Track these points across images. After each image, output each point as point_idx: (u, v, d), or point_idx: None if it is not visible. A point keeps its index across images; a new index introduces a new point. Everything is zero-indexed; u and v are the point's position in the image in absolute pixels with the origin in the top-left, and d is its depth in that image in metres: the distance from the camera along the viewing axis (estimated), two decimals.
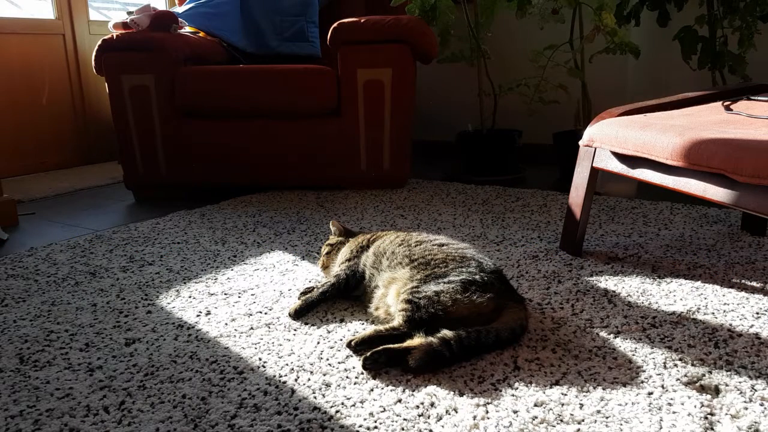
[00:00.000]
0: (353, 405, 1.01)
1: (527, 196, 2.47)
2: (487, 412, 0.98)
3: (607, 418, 0.95)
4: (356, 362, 1.14)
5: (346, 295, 1.43)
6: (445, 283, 1.20)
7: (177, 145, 2.64)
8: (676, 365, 1.10)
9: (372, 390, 1.05)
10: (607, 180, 2.43)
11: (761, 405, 0.97)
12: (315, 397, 1.04)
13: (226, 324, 1.35)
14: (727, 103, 1.66)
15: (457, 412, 0.98)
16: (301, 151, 2.63)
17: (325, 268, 1.58)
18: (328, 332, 1.28)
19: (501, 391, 1.04)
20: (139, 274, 1.69)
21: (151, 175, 2.67)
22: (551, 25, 2.78)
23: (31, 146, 3.36)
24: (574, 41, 2.75)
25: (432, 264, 1.27)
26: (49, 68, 3.43)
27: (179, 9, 3.13)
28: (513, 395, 1.02)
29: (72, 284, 1.63)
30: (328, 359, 1.17)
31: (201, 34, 3.02)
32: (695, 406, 0.97)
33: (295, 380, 1.10)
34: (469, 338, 1.11)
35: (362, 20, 2.53)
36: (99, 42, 2.60)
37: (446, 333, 1.10)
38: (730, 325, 1.26)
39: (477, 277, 1.21)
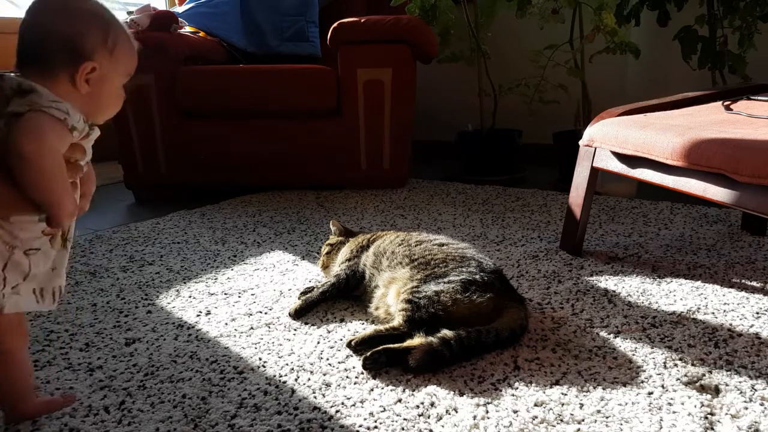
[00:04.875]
0: (353, 405, 1.01)
1: (527, 196, 2.47)
2: (487, 411, 0.98)
3: (607, 417, 0.95)
4: (356, 362, 1.14)
5: (346, 295, 1.43)
6: (445, 282, 1.20)
7: (177, 145, 2.63)
8: (676, 365, 1.10)
9: (372, 390, 1.05)
10: (607, 180, 2.43)
11: (761, 405, 0.97)
12: (315, 397, 1.04)
13: (226, 324, 1.35)
14: (727, 103, 1.66)
15: (457, 411, 0.98)
16: (301, 151, 2.63)
17: (325, 267, 1.58)
18: (328, 332, 1.28)
19: (501, 391, 1.04)
20: (139, 274, 1.69)
21: (151, 175, 2.67)
22: (551, 25, 2.78)
23: None
24: (574, 41, 2.74)
25: (432, 264, 1.27)
26: None
27: (179, 9, 3.13)
28: (513, 395, 1.02)
29: (72, 284, 1.63)
30: (328, 359, 1.17)
31: (201, 34, 3.01)
32: (695, 406, 0.97)
33: (295, 380, 1.10)
34: (469, 338, 1.11)
35: (362, 20, 2.52)
36: None
37: (446, 333, 1.10)
38: (730, 324, 1.26)
39: (477, 276, 1.21)
